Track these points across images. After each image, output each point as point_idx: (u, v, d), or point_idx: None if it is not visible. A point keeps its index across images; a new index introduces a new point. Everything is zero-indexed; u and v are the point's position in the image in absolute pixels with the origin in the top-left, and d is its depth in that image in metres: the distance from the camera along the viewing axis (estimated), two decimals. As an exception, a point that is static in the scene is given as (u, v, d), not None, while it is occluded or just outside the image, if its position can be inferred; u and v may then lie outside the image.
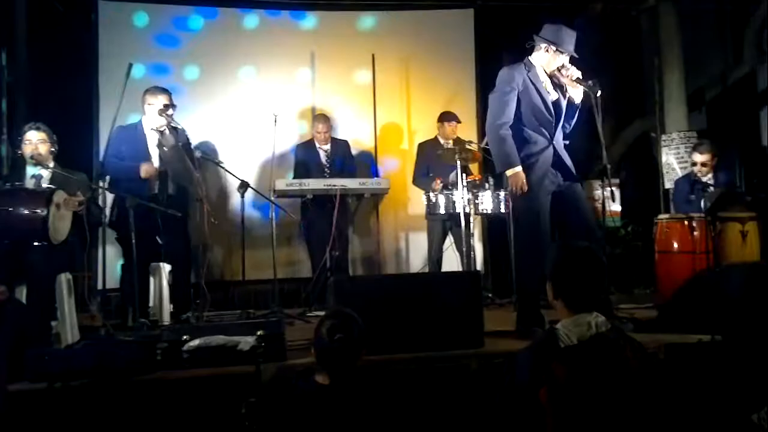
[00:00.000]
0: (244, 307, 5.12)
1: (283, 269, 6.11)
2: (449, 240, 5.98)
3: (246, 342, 3.27)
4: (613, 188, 4.91)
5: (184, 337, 3.36)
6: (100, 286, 4.58)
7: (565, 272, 2.32)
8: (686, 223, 5.14)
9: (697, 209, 5.18)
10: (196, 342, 3.33)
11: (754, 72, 7.21)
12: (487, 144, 5.48)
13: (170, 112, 4.91)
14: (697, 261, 4.93)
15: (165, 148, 4.69)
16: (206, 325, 4.16)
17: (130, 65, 4.44)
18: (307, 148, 6.05)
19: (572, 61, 4.03)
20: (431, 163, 6.02)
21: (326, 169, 5.92)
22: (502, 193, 5.52)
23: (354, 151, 6.30)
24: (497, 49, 7.52)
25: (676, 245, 5.19)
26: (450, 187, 5.56)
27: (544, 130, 4.03)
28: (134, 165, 4.79)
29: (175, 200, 4.88)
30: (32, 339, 3.37)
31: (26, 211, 4.01)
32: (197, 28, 6.63)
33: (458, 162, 5.31)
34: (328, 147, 6.01)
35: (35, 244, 4.09)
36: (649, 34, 7.72)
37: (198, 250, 5.23)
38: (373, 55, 6.57)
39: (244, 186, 4.95)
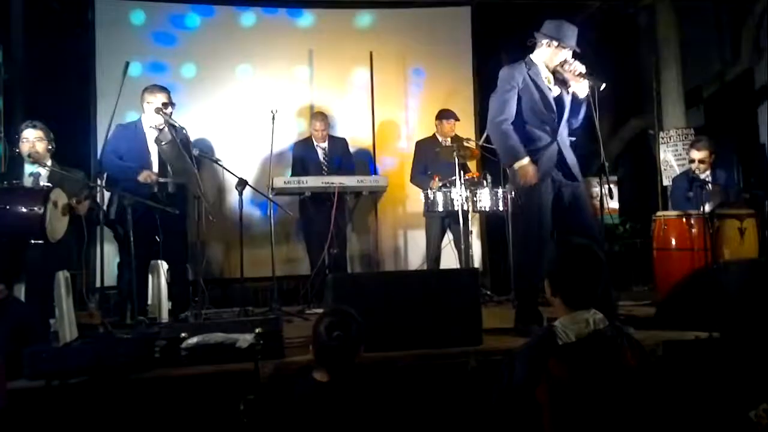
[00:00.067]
0: (243, 304, 5.10)
1: (282, 267, 6.11)
2: (448, 237, 5.98)
3: (244, 339, 3.27)
4: (611, 185, 4.89)
5: (183, 334, 3.36)
6: (98, 283, 4.57)
7: (563, 269, 2.31)
8: (684, 220, 5.15)
9: (695, 206, 5.19)
10: (194, 339, 3.33)
11: (751, 69, 7.22)
12: (485, 141, 5.51)
13: (169, 110, 4.90)
14: (696, 258, 4.94)
15: (163, 145, 4.68)
16: (204, 323, 4.16)
17: (127, 63, 4.44)
18: (305, 145, 6.05)
19: (575, 55, 4.01)
20: (429, 161, 6.02)
21: (324, 167, 5.92)
22: (500, 191, 5.53)
23: (352, 149, 6.29)
24: (495, 47, 7.53)
25: (674, 242, 5.20)
26: (448, 185, 5.56)
27: (546, 127, 4.01)
28: (134, 167, 4.79)
29: (174, 198, 4.88)
30: (30, 337, 3.37)
31: (24, 209, 3.99)
32: (194, 26, 6.62)
33: (456, 159, 5.31)
34: (326, 145, 6.01)
35: (33, 242, 4.09)
36: (646, 31, 7.73)
37: (196, 248, 5.23)
38: (371, 53, 6.57)
39: (242, 184, 4.94)
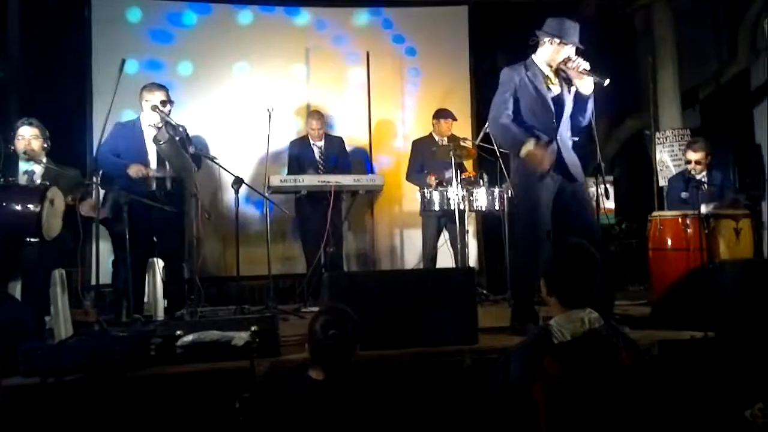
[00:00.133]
0: (239, 302, 5.10)
1: (278, 265, 6.10)
2: (444, 237, 5.98)
3: (240, 337, 3.27)
4: (608, 185, 4.89)
5: (178, 332, 3.35)
6: (93, 281, 4.56)
7: (559, 268, 2.32)
8: (680, 220, 5.16)
9: (691, 207, 5.20)
10: (189, 337, 3.32)
11: (747, 70, 7.23)
12: (482, 141, 5.52)
13: (168, 108, 4.89)
14: (691, 258, 4.95)
15: (161, 144, 4.67)
16: (200, 321, 4.16)
17: (123, 61, 4.42)
18: (301, 144, 6.05)
19: (578, 52, 3.98)
20: (426, 160, 6.02)
21: (320, 166, 5.93)
22: (496, 190, 5.53)
23: (348, 148, 6.30)
24: (492, 46, 7.54)
25: (669, 242, 5.21)
26: (444, 184, 5.56)
27: (545, 126, 3.97)
28: (124, 162, 4.77)
29: (172, 197, 4.87)
30: (26, 334, 3.36)
31: (20, 207, 3.99)
32: (191, 23, 6.61)
33: (453, 159, 5.31)
34: (322, 143, 6.01)
35: (28, 240, 4.08)
36: (643, 32, 7.75)
37: (192, 246, 5.22)
38: (367, 52, 6.57)
39: (238, 182, 4.94)
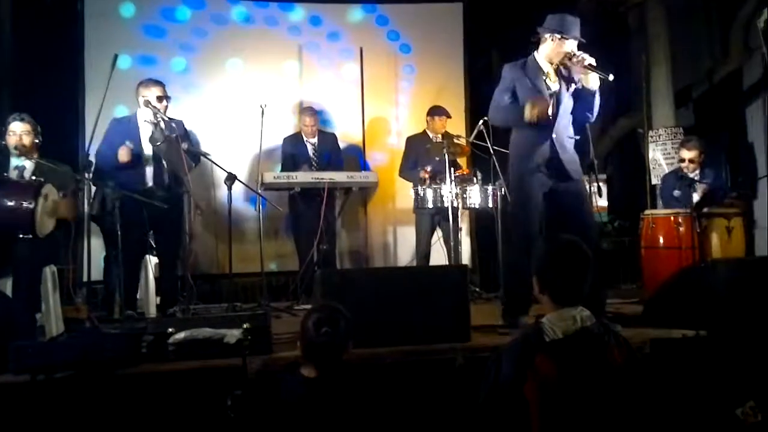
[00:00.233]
0: (231, 300, 5.09)
1: (271, 262, 6.10)
2: (437, 234, 5.99)
3: (232, 335, 3.26)
4: (600, 183, 4.91)
5: (170, 329, 3.34)
6: (85, 278, 4.55)
7: (551, 266, 2.32)
8: (672, 218, 5.17)
9: (683, 205, 5.22)
10: (181, 335, 3.31)
11: (740, 69, 7.25)
12: (475, 138, 5.52)
13: (164, 104, 4.88)
14: (683, 257, 4.97)
15: (158, 144, 4.66)
16: (192, 318, 4.14)
17: (116, 56, 4.40)
18: (294, 141, 6.03)
19: (580, 47, 3.95)
20: (420, 157, 6.01)
21: (314, 163, 5.91)
22: (489, 188, 5.53)
23: (342, 145, 6.29)
24: (486, 44, 7.54)
25: (662, 241, 5.23)
26: (439, 182, 5.56)
27: (541, 124, 3.94)
28: (114, 152, 4.73)
29: (171, 193, 4.85)
30: (16, 331, 3.34)
31: (14, 203, 3.97)
32: (184, 19, 6.58)
33: (446, 156, 5.31)
34: (315, 140, 6.00)
35: (21, 236, 4.06)
36: (636, 30, 7.75)
37: (183, 243, 5.20)
38: (361, 49, 6.55)
39: (231, 178, 4.92)
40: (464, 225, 6.25)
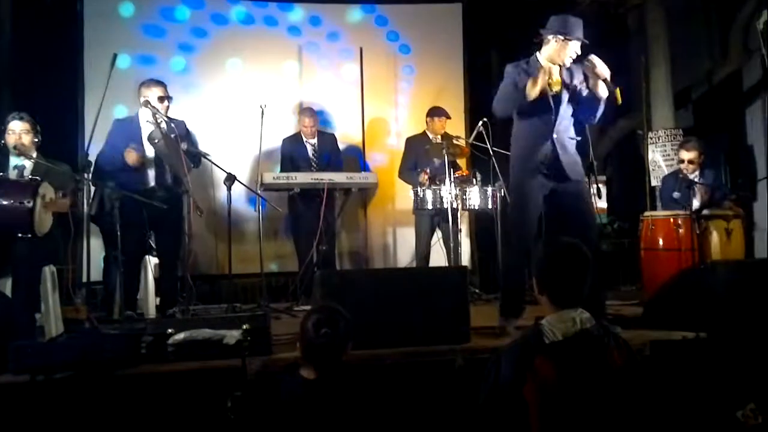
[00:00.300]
0: (231, 301, 5.09)
1: (270, 263, 6.09)
2: (437, 235, 5.98)
3: (231, 336, 3.26)
4: (600, 185, 4.89)
5: (169, 330, 3.34)
6: (84, 278, 4.54)
7: (550, 268, 2.32)
8: (672, 220, 5.18)
9: (682, 207, 5.22)
10: (181, 335, 3.31)
11: (739, 70, 7.25)
12: (474, 139, 5.51)
13: (166, 104, 4.88)
14: (683, 258, 4.97)
15: (156, 142, 4.65)
16: (192, 319, 4.14)
17: (115, 55, 4.39)
18: (293, 141, 6.03)
19: (585, 49, 3.95)
20: (419, 158, 6.01)
21: (313, 163, 5.91)
22: (489, 189, 5.53)
23: (341, 146, 6.29)
24: (485, 45, 7.54)
25: (661, 242, 5.23)
26: (438, 183, 5.56)
27: (542, 124, 3.94)
28: (120, 153, 4.74)
29: (170, 193, 4.85)
30: (16, 331, 3.34)
31: (12, 203, 3.97)
32: (184, 18, 6.57)
33: (446, 157, 5.30)
34: (315, 141, 5.99)
35: (19, 236, 4.05)
36: (635, 31, 7.75)
37: (183, 243, 5.20)
38: (361, 49, 6.55)
39: (230, 179, 4.92)
40: (464, 226, 6.24)
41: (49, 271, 3.64)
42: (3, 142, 4.44)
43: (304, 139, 5.97)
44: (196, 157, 5.02)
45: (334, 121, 6.71)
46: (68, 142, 5.95)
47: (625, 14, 7.81)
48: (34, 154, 4.46)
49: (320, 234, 5.44)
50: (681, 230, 5.09)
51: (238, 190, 5.40)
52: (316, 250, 5.46)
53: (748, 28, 6.90)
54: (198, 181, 5.75)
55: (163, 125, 4.73)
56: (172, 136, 4.70)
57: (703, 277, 4.00)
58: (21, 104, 5.21)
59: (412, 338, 3.52)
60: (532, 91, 3.83)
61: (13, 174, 4.36)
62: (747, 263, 4.90)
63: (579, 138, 4.07)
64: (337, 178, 5.58)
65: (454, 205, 5.36)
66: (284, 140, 6.10)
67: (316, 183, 5.48)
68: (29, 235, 4.03)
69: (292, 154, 5.94)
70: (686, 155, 5.53)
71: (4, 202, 3.95)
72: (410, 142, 6.25)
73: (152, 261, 4.86)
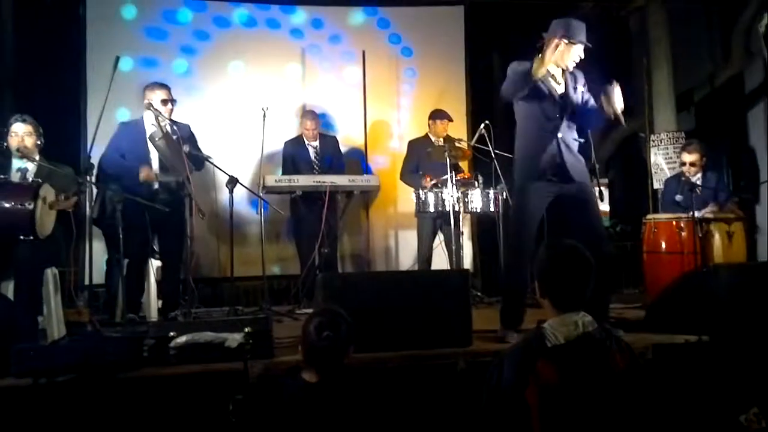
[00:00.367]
0: (233, 303, 5.09)
1: (272, 266, 6.09)
2: (439, 238, 5.97)
3: (233, 339, 3.26)
4: (602, 188, 4.89)
5: (171, 333, 3.34)
6: (87, 281, 4.55)
7: (552, 271, 2.31)
8: (674, 223, 5.17)
9: (684, 210, 5.21)
10: (183, 338, 3.31)
11: (741, 73, 7.25)
12: (476, 142, 5.52)
13: (169, 107, 4.88)
14: (685, 261, 4.96)
15: (156, 141, 4.65)
16: (194, 322, 4.14)
17: (117, 58, 4.40)
18: (295, 144, 6.02)
19: (586, 51, 3.94)
20: (421, 161, 6.01)
21: (315, 166, 5.90)
22: (491, 192, 5.53)
23: (343, 148, 6.29)
24: (487, 47, 7.54)
25: (664, 245, 5.22)
26: (440, 186, 5.56)
27: (548, 124, 3.92)
28: (134, 166, 4.75)
29: (173, 196, 4.85)
30: (18, 334, 3.34)
31: (13, 205, 3.97)
32: (186, 21, 6.58)
33: (448, 160, 5.30)
34: (317, 143, 5.99)
35: (21, 238, 4.06)
36: (638, 34, 7.75)
37: (186, 246, 5.20)
38: (363, 52, 6.55)
39: (232, 181, 4.92)
40: (466, 229, 6.24)
41: (51, 273, 3.64)
42: (6, 144, 4.45)
43: (306, 142, 5.97)
44: (198, 160, 5.02)
45: (336, 123, 6.71)
46: (71, 145, 5.96)
47: (627, 17, 7.81)
48: (37, 157, 4.47)
49: (322, 237, 5.44)
50: (683, 233, 5.08)
51: (240, 192, 5.41)
52: (318, 252, 5.46)
53: (749, 31, 6.90)
54: (200, 184, 5.76)
55: (167, 128, 4.73)
56: (175, 138, 4.71)
57: (706, 280, 4.00)
58: (23, 107, 5.20)
59: (414, 341, 3.52)
60: (540, 70, 3.79)
61: (16, 176, 4.37)
62: (749, 266, 4.90)
63: (582, 140, 4.07)
64: (339, 181, 5.59)
65: (456, 208, 5.36)
66: (286, 143, 6.10)
67: (318, 186, 5.49)
68: (31, 237, 4.03)
69: (294, 157, 5.94)
70: (688, 158, 5.52)
71: (6, 204, 3.95)
72: (412, 144, 6.25)
73: (154, 264, 4.87)
